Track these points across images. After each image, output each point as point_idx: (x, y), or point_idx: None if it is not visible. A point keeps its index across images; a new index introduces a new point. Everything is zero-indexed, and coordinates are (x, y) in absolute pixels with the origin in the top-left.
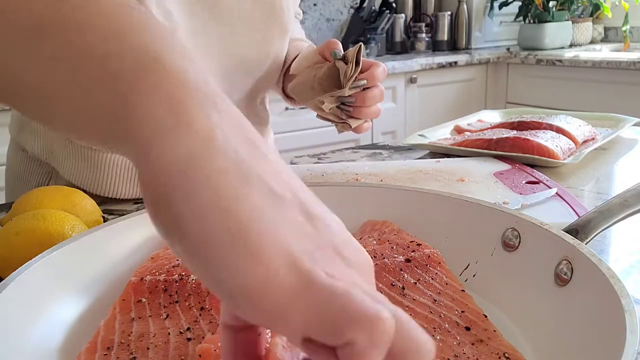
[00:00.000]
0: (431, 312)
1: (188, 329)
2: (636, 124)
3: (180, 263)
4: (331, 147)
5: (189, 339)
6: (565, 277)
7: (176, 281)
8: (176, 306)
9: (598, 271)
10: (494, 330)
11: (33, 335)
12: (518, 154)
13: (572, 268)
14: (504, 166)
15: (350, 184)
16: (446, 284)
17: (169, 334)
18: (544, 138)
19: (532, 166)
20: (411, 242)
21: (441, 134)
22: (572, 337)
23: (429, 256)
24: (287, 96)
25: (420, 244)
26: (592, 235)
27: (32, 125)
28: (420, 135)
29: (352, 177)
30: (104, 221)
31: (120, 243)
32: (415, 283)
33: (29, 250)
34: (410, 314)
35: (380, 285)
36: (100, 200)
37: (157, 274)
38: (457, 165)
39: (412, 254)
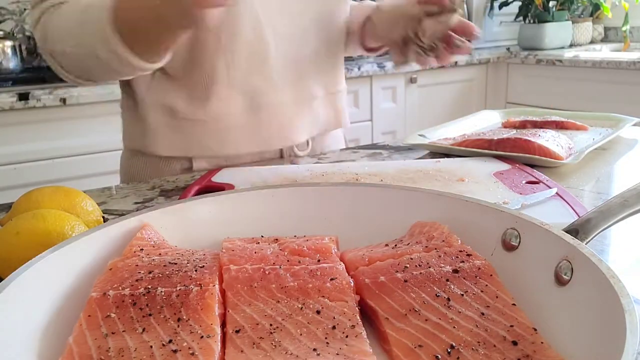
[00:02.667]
0: (477, 326)
1: (170, 341)
2: (636, 124)
3: (143, 276)
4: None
5: (174, 351)
6: (565, 277)
7: (144, 294)
8: (150, 319)
9: (598, 271)
10: (542, 342)
11: (33, 335)
12: (519, 154)
13: (572, 268)
14: (504, 166)
15: (350, 184)
16: (496, 297)
17: (152, 347)
18: (544, 138)
19: (532, 166)
20: (460, 251)
21: (441, 134)
22: (572, 337)
23: (480, 268)
24: (366, 48)
25: (470, 254)
26: (592, 235)
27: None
28: (420, 135)
29: (352, 177)
30: (104, 221)
31: (121, 243)
32: (462, 295)
33: (29, 250)
34: (454, 327)
35: (423, 296)
36: (101, 200)
37: (119, 288)
38: (457, 165)
39: (461, 264)
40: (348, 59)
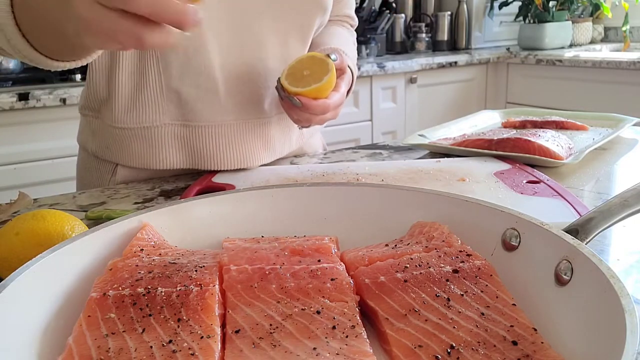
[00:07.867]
0: (477, 326)
1: (170, 341)
2: (636, 124)
3: (143, 276)
4: (331, 147)
5: (174, 351)
6: (566, 277)
7: (144, 295)
8: (150, 319)
9: (598, 271)
10: (542, 342)
11: (33, 335)
12: (519, 154)
13: (572, 268)
14: (504, 166)
15: (350, 184)
16: (496, 297)
17: (152, 347)
18: (544, 138)
19: (533, 166)
20: (460, 251)
21: (441, 134)
22: (572, 337)
23: (480, 268)
24: None
25: (470, 254)
26: (592, 235)
27: (90, 127)
28: (420, 135)
29: (353, 177)
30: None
31: (121, 243)
32: (462, 295)
33: (29, 250)
34: (454, 327)
35: (423, 296)
36: (101, 200)
37: (119, 288)
38: (458, 165)
39: (461, 264)
40: None
